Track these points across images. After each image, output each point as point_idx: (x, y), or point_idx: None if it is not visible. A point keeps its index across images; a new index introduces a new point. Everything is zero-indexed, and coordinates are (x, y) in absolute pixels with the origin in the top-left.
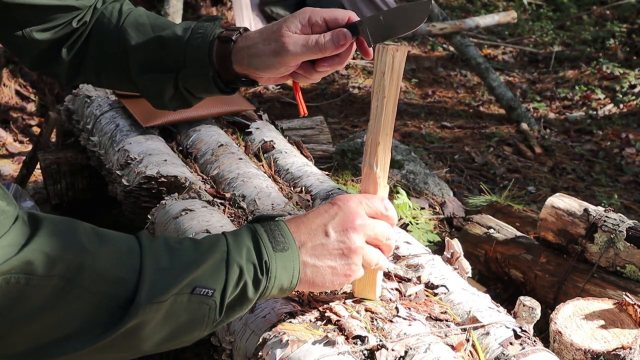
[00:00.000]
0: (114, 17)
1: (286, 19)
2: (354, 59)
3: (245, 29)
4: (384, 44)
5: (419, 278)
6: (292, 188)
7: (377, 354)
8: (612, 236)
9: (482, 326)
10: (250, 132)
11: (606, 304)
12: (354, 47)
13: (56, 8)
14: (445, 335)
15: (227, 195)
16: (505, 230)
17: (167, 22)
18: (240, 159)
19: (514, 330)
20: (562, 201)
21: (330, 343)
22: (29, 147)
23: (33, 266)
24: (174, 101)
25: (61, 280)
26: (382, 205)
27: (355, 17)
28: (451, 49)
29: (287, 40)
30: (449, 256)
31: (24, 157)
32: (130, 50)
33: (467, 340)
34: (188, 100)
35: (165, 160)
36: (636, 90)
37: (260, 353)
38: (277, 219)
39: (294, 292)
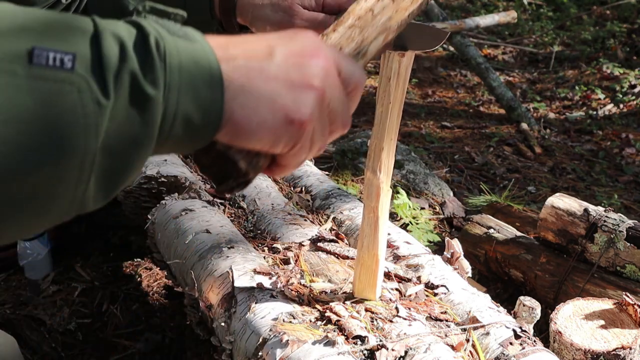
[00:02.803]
0: None
1: None
2: None
3: None
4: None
5: (419, 278)
6: (292, 188)
7: (377, 354)
8: (612, 236)
9: (482, 326)
10: None
11: (606, 304)
12: None
13: None
14: (445, 335)
15: (227, 195)
16: (505, 230)
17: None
18: None
19: (514, 330)
20: (562, 201)
21: (330, 343)
22: None
23: None
24: None
25: None
26: (359, 72)
27: None
28: (451, 48)
29: (297, 15)
30: (449, 256)
31: None
32: (128, 6)
33: (467, 340)
34: None
35: (165, 160)
36: (636, 90)
37: (260, 353)
38: (173, 15)
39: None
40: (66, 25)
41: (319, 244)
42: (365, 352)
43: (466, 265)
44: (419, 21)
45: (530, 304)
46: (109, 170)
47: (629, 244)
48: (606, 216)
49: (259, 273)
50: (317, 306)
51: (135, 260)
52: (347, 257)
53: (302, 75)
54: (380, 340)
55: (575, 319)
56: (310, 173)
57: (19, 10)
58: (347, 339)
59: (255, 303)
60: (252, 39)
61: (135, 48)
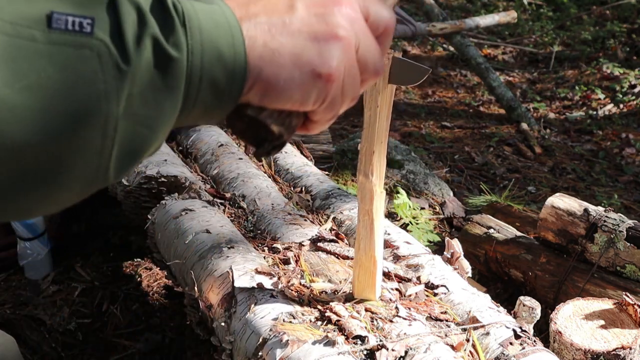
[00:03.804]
0: None
1: None
2: None
3: None
4: None
5: (419, 278)
6: (292, 188)
7: (377, 354)
8: (612, 236)
9: (482, 326)
10: None
11: (606, 304)
12: None
13: None
14: (446, 335)
15: (227, 195)
16: (505, 230)
17: None
18: (241, 158)
19: (514, 330)
20: (562, 201)
21: (330, 343)
22: None
23: None
24: None
25: None
26: (387, 15)
27: None
28: (451, 48)
29: None
30: (449, 256)
31: None
32: None
33: (467, 340)
34: None
35: (165, 160)
36: (636, 90)
37: (260, 353)
38: None
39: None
40: None
41: (319, 244)
42: (365, 352)
43: (466, 265)
44: (419, 21)
45: (530, 304)
46: (132, 138)
47: (629, 244)
48: (606, 216)
49: (259, 273)
50: (317, 306)
51: (135, 260)
52: (347, 257)
53: (326, 25)
54: (381, 340)
55: (575, 319)
56: (310, 173)
57: None
58: (347, 339)
59: (255, 303)
60: None
61: (152, 12)
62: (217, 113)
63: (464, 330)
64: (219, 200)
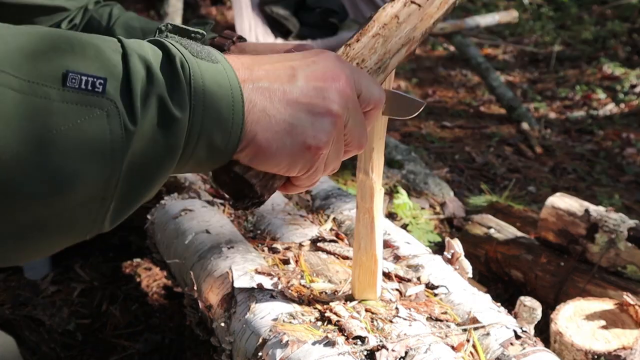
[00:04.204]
0: (104, 19)
1: (286, 51)
2: None
3: (240, 38)
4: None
5: (419, 278)
6: None
7: (378, 354)
8: (613, 236)
9: (483, 327)
10: None
11: (607, 305)
12: None
13: (45, 8)
14: (446, 336)
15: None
16: (505, 231)
17: (157, 25)
18: None
19: (515, 331)
20: (562, 201)
21: (330, 343)
22: None
23: None
24: None
25: None
26: (378, 92)
27: None
28: (452, 48)
29: None
30: (450, 256)
31: None
32: None
33: (468, 341)
34: None
35: None
36: (637, 90)
37: (260, 353)
38: (194, 34)
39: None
40: (96, 47)
41: (319, 244)
42: (366, 352)
43: (467, 266)
44: None
45: (530, 305)
46: (130, 192)
47: (630, 244)
48: (607, 216)
49: (259, 273)
50: (317, 306)
51: (135, 260)
52: (347, 258)
53: (322, 100)
54: (381, 341)
55: (576, 319)
56: None
57: (53, 32)
58: (347, 339)
59: (255, 303)
60: (275, 59)
61: (162, 70)
62: (207, 167)
63: (465, 330)
64: (218, 200)
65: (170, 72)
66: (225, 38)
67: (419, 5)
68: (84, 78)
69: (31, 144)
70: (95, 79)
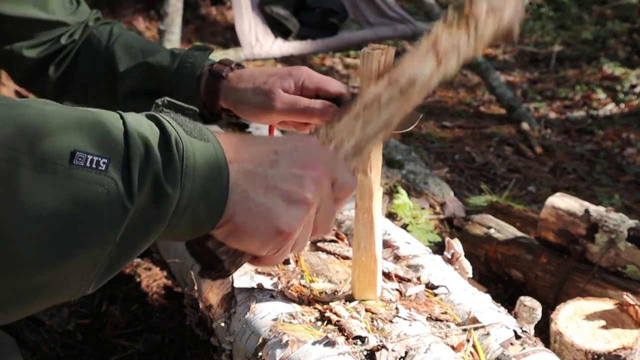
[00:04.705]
0: (104, 37)
1: (282, 76)
2: (354, 57)
3: (238, 65)
4: (370, 49)
5: (419, 278)
6: None
7: (378, 354)
8: (613, 236)
9: (483, 327)
10: (250, 132)
11: (607, 305)
12: None
13: (45, 23)
14: (446, 336)
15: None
16: (505, 231)
17: (157, 47)
18: None
19: (515, 331)
20: (562, 201)
21: (330, 343)
22: None
23: None
24: None
25: None
26: (351, 181)
27: (346, 93)
28: None
29: (277, 98)
30: (450, 256)
31: None
32: (118, 73)
33: (468, 341)
34: None
35: None
36: (637, 90)
37: (260, 353)
38: (187, 110)
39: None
40: (102, 126)
41: (319, 244)
42: (366, 352)
43: (467, 266)
44: (419, 21)
45: (530, 305)
46: (117, 260)
47: (630, 244)
48: (607, 216)
49: (259, 273)
50: (317, 306)
51: (135, 260)
52: (347, 257)
53: (299, 188)
54: (381, 341)
55: (576, 319)
56: None
57: (66, 110)
58: (347, 339)
59: (255, 303)
60: (260, 142)
61: (159, 149)
62: (186, 237)
63: (465, 330)
64: None
65: (166, 150)
66: (224, 65)
67: (401, 92)
68: (89, 157)
69: (36, 217)
70: (100, 158)
